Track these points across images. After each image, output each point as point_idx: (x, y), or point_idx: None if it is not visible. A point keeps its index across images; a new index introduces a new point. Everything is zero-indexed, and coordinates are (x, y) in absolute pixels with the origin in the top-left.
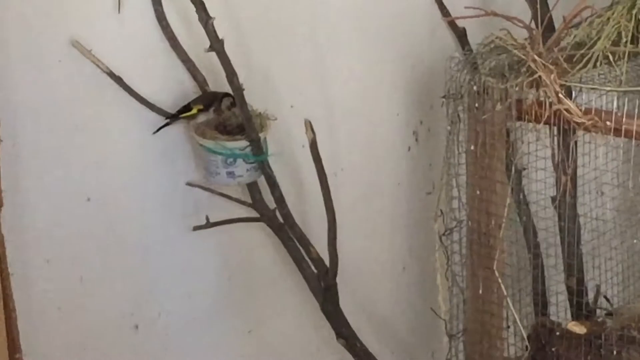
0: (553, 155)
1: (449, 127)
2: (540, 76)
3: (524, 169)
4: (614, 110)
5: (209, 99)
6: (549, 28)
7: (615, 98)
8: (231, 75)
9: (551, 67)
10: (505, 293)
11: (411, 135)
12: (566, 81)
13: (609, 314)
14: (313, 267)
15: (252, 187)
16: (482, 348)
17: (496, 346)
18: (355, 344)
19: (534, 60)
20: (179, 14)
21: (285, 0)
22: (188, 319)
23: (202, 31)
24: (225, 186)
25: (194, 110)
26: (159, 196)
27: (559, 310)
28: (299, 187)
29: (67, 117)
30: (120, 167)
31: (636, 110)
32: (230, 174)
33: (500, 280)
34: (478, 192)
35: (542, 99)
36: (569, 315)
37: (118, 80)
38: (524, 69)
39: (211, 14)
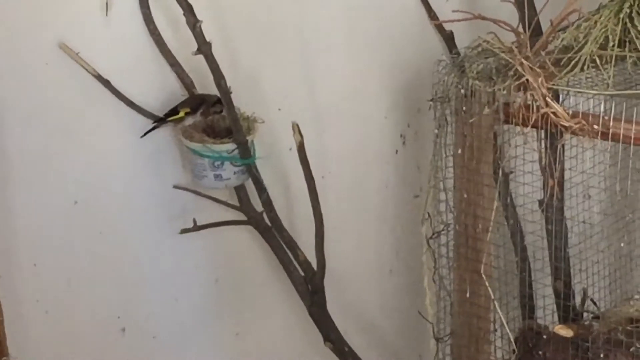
0: (540, 158)
1: (436, 131)
2: (527, 79)
3: (511, 172)
4: (601, 114)
5: (196, 102)
6: (537, 32)
7: (603, 101)
8: (219, 78)
9: (538, 70)
10: (492, 296)
11: (399, 138)
12: (553, 85)
13: (596, 317)
14: (300, 270)
15: (240, 190)
16: (469, 351)
17: (483, 349)
18: (343, 347)
19: (522, 64)
20: (167, 16)
21: (273, 4)
22: (175, 322)
23: (190, 34)
24: (213, 189)
25: (182, 114)
26: (147, 199)
27: (546, 313)
28: (287, 190)
29: (55, 120)
30: (108, 170)
31: (623, 114)
32: (218, 177)
33: (487, 284)
34: (465, 196)
35: (529, 102)
36: (556, 319)
37: (106, 83)
38: (511, 73)
39: (199, 17)
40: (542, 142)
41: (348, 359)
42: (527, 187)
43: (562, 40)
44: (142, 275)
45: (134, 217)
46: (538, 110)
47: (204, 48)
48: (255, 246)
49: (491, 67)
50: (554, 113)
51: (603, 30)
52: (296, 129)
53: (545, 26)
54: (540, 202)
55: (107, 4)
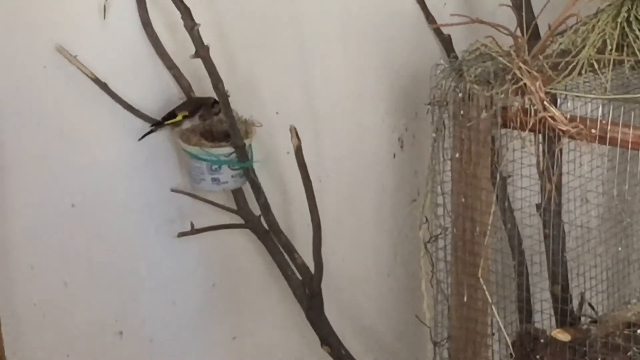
0: (538, 162)
1: (434, 134)
2: (525, 84)
3: (509, 176)
4: (599, 118)
5: (194, 106)
6: (535, 36)
7: (600, 106)
8: (216, 81)
9: (536, 74)
10: (489, 300)
11: (396, 142)
12: (551, 89)
13: (594, 322)
14: (298, 274)
15: (237, 193)
16: (466, 355)
17: (480, 353)
18: (340, 350)
19: (519, 68)
20: (165, 20)
21: (271, 7)
22: (172, 326)
23: (188, 37)
24: (210, 192)
25: (179, 117)
26: (144, 202)
27: (544, 317)
28: (284, 194)
29: (52, 123)
30: (105, 173)
31: (621, 118)
32: (215, 181)
33: (485, 288)
34: (463, 200)
35: (527, 106)
36: (553, 323)
37: (103, 86)
38: (509, 77)
39: (197, 20)
40: (540, 146)
41: None
42: (525, 191)
43: (560, 44)
44: (140, 278)
45: (131, 220)
46: (536, 114)
47: (201, 51)
48: (253, 250)
49: (489, 71)
50: (552, 117)
51: (601, 34)
52: (294, 132)
53: (543, 30)
54: (538, 206)
55: (104, 7)
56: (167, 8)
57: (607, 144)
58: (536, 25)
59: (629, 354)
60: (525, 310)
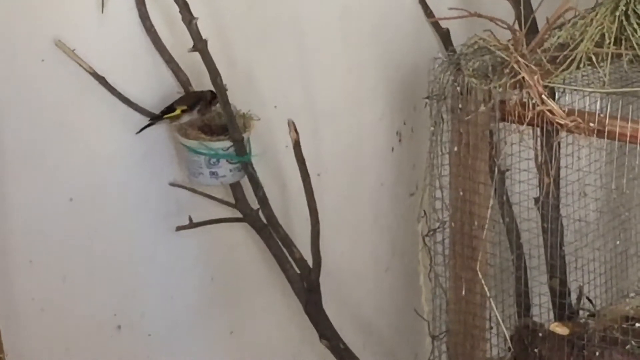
0: (536, 156)
1: (432, 128)
2: (523, 77)
3: (507, 170)
4: (597, 112)
5: (192, 100)
6: (533, 29)
7: (599, 99)
8: (214, 75)
9: (534, 68)
10: (488, 294)
11: (395, 136)
12: (549, 82)
13: (592, 315)
14: (296, 268)
15: (235, 187)
16: (464, 349)
17: (479, 347)
18: (338, 344)
19: (518, 62)
20: (163, 13)
21: (269, 1)
22: (171, 320)
23: (186, 31)
24: (209, 186)
25: (178, 111)
26: (142, 196)
27: (542, 311)
28: (282, 188)
29: (50, 117)
30: (103, 167)
31: (619, 112)
32: (214, 174)
33: (483, 281)
34: (461, 193)
35: (525, 100)
36: (551, 317)
37: (101, 80)
38: (507, 70)
39: (195, 14)
40: (538, 139)
41: (344, 357)
42: (523, 185)
43: (558, 38)
44: (138, 272)
45: (129, 215)
46: (534, 108)
47: (199, 45)
48: (251, 244)
49: (487, 65)
50: (550, 111)
51: (599, 28)
52: (292, 126)
53: (541, 24)
54: (536, 200)
55: (103, 1)
56: (165, 2)
57: (605, 137)
58: (534, 18)
59: (627, 347)
60: (524, 303)
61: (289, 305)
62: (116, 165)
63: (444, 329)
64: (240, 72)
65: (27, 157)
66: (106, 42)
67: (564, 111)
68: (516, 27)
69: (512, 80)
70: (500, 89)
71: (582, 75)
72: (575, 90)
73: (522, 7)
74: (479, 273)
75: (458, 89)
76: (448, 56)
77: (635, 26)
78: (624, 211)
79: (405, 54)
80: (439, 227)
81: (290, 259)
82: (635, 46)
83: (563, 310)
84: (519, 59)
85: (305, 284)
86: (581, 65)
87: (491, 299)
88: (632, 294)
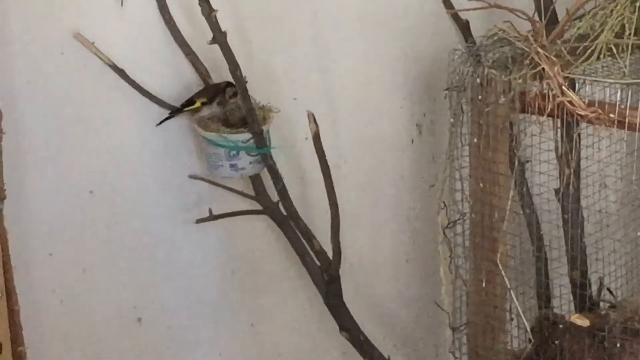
0: (556, 147)
1: (452, 120)
2: (543, 68)
3: (527, 161)
4: (618, 103)
5: (212, 92)
6: (552, 20)
7: (619, 90)
8: (234, 67)
9: (554, 59)
10: (508, 286)
11: (414, 127)
12: (569, 73)
13: (613, 307)
14: (316, 260)
15: (255, 179)
16: (485, 341)
17: (499, 339)
18: (359, 336)
19: (537, 53)
20: (182, 6)
21: None
22: (191, 312)
23: (205, 23)
24: (228, 179)
25: (198, 104)
26: (162, 189)
27: (563, 303)
28: (302, 180)
29: (70, 109)
30: (123, 159)
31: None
32: (233, 167)
33: (503, 273)
34: (481, 185)
35: (545, 91)
36: (572, 308)
37: (121, 72)
38: (527, 62)
39: (214, 6)
40: (558, 131)
41: (364, 348)
42: (543, 176)
43: (578, 28)
44: (158, 265)
45: (149, 207)
46: (554, 99)
47: (219, 37)
48: (271, 236)
49: (507, 56)
50: (570, 102)
51: (619, 18)
52: (311, 118)
53: (561, 15)
54: (557, 191)
55: None
56: None
57: (626, 128)
58: (554, 9)
59: None
60: (544, 295)
61: (309, 297)
62: (136, 158)
63: (465, 320)
64: (260, 64)
65: (47, 149)
66: (125, 35)
67: (584, 102)
68: (536, 18)
69: (532, 71)
70: (520, 80)
71: (603, 66)
72: (595, 81)
73: None
74: (499, 265)
75: (478, 80)
76: (468, 47)
77: None
78: None
79: (425, 45)
80: (459, 219)
81: (310, 251)
82: None
83: (584, 301)
84: (539, 50)
85: (326, 275)
86: (601, 56)
87: (511, 291)
88: None
